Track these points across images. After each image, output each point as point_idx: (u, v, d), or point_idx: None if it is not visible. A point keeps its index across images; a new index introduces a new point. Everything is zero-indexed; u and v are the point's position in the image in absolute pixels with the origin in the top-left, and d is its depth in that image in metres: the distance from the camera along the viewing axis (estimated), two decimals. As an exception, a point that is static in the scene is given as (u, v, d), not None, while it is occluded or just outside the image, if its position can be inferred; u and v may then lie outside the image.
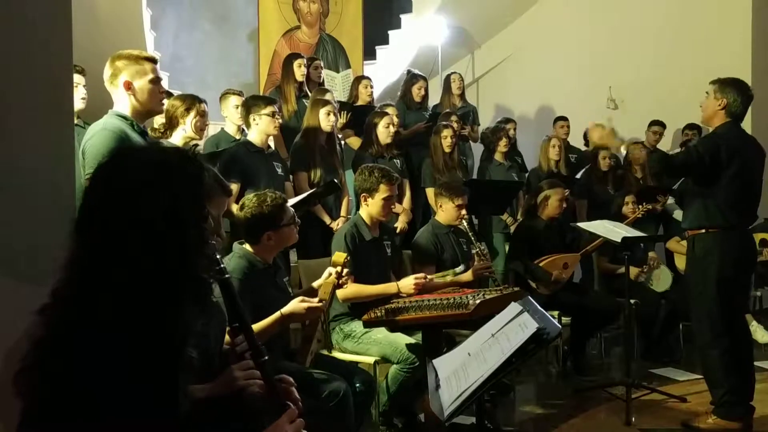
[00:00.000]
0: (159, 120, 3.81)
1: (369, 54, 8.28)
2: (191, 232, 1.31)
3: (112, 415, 1.18)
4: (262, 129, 4.16)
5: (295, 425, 1.51)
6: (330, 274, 2.91)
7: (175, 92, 4.60)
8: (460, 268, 3.93)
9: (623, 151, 3.78)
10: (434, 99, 6.56)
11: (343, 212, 4.61)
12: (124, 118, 2.75)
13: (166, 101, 3.62)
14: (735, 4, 6.88)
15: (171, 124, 3.71)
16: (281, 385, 1.62)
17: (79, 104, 4.03)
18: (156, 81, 2.80)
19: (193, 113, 3.72)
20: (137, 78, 2.74)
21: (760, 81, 6.50)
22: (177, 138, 3.74)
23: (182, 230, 1.30)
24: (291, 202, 4.01)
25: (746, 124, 3.78)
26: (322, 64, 6.24)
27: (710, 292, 3.59)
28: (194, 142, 4.03)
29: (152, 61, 2.82)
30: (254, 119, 4.16)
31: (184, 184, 1.33)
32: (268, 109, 4.10)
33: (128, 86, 2.73)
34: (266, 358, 1.61)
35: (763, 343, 5.41)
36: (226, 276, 1.56)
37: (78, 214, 1.33)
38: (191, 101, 3.75)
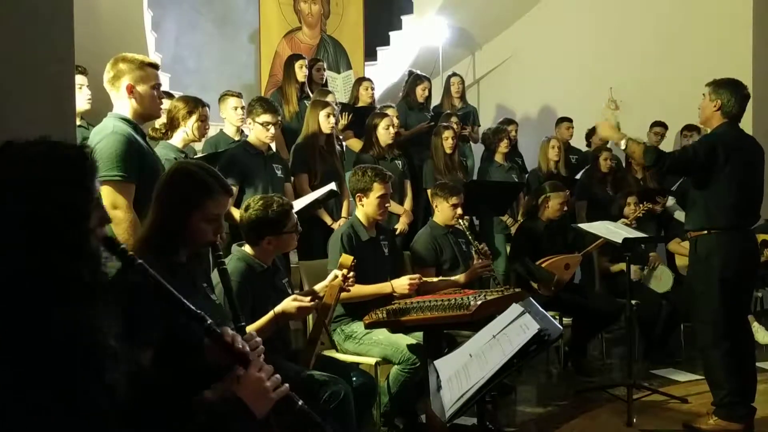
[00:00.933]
0: (160, 120, 3.81)
1: (370, 55, 8.29)
2: (63, 231, 1.28)
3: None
4: (255, 134, 4.17)
5: (267, 371, 1.49)
6: (336, 276, 2.90)
7: (177, 93, 4.61)
8: (459, 277, 3.92)
9: (622, 145, 3.78)
10: (435, 100, 6.56)
11: (344, 213, 4.61)
12: (127, 121, 2.78)
13: (166, 102, 3.65)
14: (736, 5, 6.87)
15: (172, 125, 3.72)
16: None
17: (84, 105, 4.04)
18: (157, 87, 2.83)
19: (195, 117, 3.73)
20: (140, 83, 2.76)
21: (761, 81, 6.51)
22: (177, 139, 3.75)
23: (51, 229, 1.26)
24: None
25: (747, 124, 3.78)
26: (325, 66, 6.24)
27: (713, 293, 3.58)
28: (193, 144, 4.05)
29: (155, 67, 2.86)
30: (251, 122, 4.17)
31: (58, 181, 1.29)
32: (262, 118, 4.10)
33: (131, 90, 2.75)
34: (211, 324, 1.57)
35: (765, 344, 5.41)
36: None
37: None
38: (194, 105, 3.75)
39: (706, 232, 3.64)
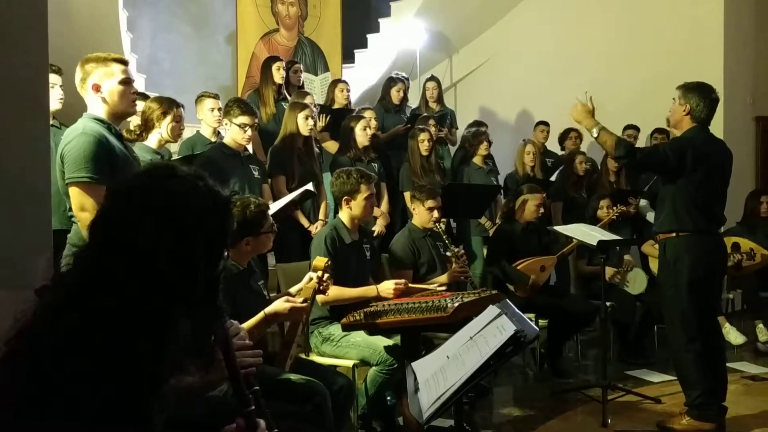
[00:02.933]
0: (135, 121, 3.77)
1: (347, 57, 8.28)
2: (200, 275, 1.29)
3: None
4: (231, 135, 4.15)
5: None
6: (311, 279, 2.90)
7: (152, 95, 4.56)
8: (442, 281, 3.93)
9: (594, 133, 3.73)
10: (413, 102, 6.58)
11: (321, 216, 4.60)
12: (101, 121, 2.73)
13: (141, 103, 3.60)
14: (708, 10, 6.99)
15: (147, 127, 3.68)
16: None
17: (56, 105, 3.97)
18: (126, 82, 2.75)
19: (169, 118, 3.69)
20: (105, 80, 2.71)
21: (732, 85, 6.63)
22: (152, 141, 3.70)
23: (189, 271, 1.27)
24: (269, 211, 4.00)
25: (717, 127, 3.83)
26: (302, 68, 6.23)
27: (682, 295, 3.63)
28: (168, 145, 4.01)
29: (122, 62, 2.78)
30: (227, 123, 4.15)
31: (209, 225, 1.30)
32: (239, 120, 4.07)
33: (97, 89, 2.70)
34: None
35: (737, 345, 5.50)
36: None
37: (94, 222, 1.30)
38: (168, 105, 3.71)
39: (674, 234, 3.68)
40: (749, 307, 5.91)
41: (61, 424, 1.14)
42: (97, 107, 2.74)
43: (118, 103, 2.74)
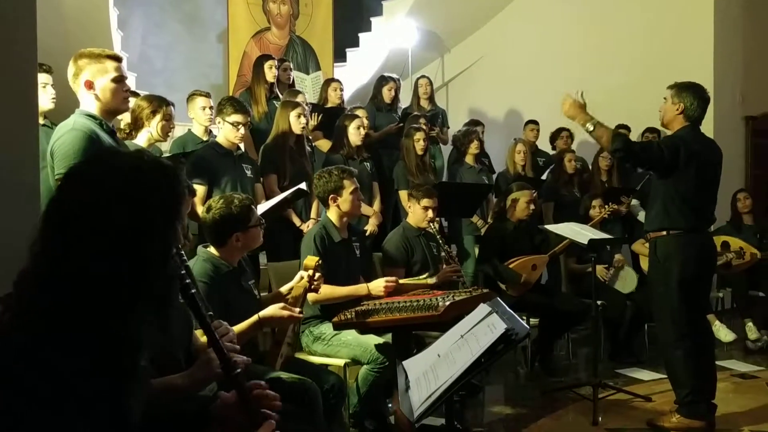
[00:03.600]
0: (125, 120, 3.76)
1: (339, 56, 8.27)
2: (155, 247, 1.26)
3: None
4: (224, 134, 4.14)
5: None
6: (302, 278, 2.90)
7: (143, 93, 4.54)
8: (432, 279, 3.93)
9: (589, 127, 3.70)
10: (405, 102, 6.58)
11: (313, 214, 4.59)
12: (93, 117, 2.72)
13: (132, 100, 3.59)
14: (697, 10, 7.03)
15: (136, 125, 3.67)
16: (256, 392, 1.56)
17: (48, 104, 3.95)
18: (119, 80, 2.75)
19: (159, 116, 3.68)
20: (98, 76, 2.70)
21: (722, 85, 6.67)
22: (142, 139, 3.69)
23: (146, 245, 1.25)
24: (260, 210, 3.99)
25: (707, 126, 3.84)
26: (291, 66, 6.22)
27: (672, 293, 3.65)
28: (159, 144, 4.00)
29: (115, 59, 2.77)
30: (220, 122, 4.14)
31: (157, 196, 1.28)
32: (232, 118, 4.06)
33: (89, 85, 2.70)
34: (239, 370, 1.58)
35: (726, 343, 5.53)
36: (192, 291, 1.52)
37: (44, 213, 1.28)
38: (158, 104, 3.70)
39: (665, 233, 3.69)
40: (739, 306, 5.95)
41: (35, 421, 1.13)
42: (90, 103, 2.73)
43: (110, 100, 2.74)
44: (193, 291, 1.50)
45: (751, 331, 5.56)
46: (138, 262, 1.24)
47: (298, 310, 2.67)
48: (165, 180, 1.32)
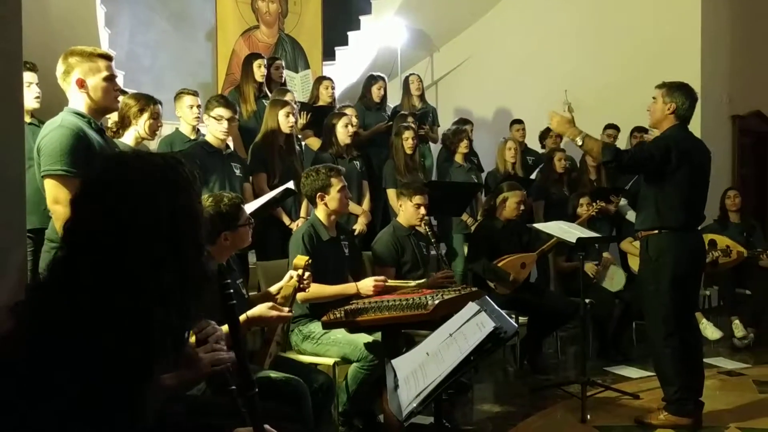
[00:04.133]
0: (112, 118, 3.73)
1: (328, 55, 8.26)
2: (194, 245, 1.32)
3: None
4: (209, 130, 4.13)
5: None
6: (291, 277, 2.89)
7: (131, 91, 4.51)
8: (423, 281, 3.91)
9: (579, 142, 3.74)
10: (394, 100, 6.58)
11: (302, 213, 4.59)
12: (81, 115, 2.71)
13: (121, 98, 3.57)
14: (685, 11, 7.07)
15: (123, 124, 3.64)
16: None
17: (32, 103, 3.92)
18: (110, 78, 2.75)
19: (147, 114, 3.65)
20: (90, 75, 2.70)
21: (709, 85, 6.72)
22: (129, 138, 3.66)
23: (185, 245, 1.30)
24: (248, 209, 3.97)
25: (695, 126, 3.88)
26: (283, 65, 6.20)
27: (663, 291, 3.67)
28: (146, 142, 3.97)
29: (106, 58, 2.77)
30: (206, 118, 4.14)
31: (186, 195, 1.33)
32: (215, 112, 4.06)
33: (81, 84, 2.69)
34: (256, 390, 1.58)
35: (713, 340, 5.57)
36: (232, 302, 1.53)
37: (73, 218, 1.30)
38: (145, 102, 3.68)
39: (656, 231, 3.72)
40: (725, 304, 6.00)
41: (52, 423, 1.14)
42: (79, 101, 2.72)
43: (102, 99, 2.74)
44: (233, 302, 1.52)
45: (738, 328, 5.60)
46: (179, 261, 1.28)
47: (287, 309, 2.66)
48: (192, 178, 1.37)
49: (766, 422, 3.78)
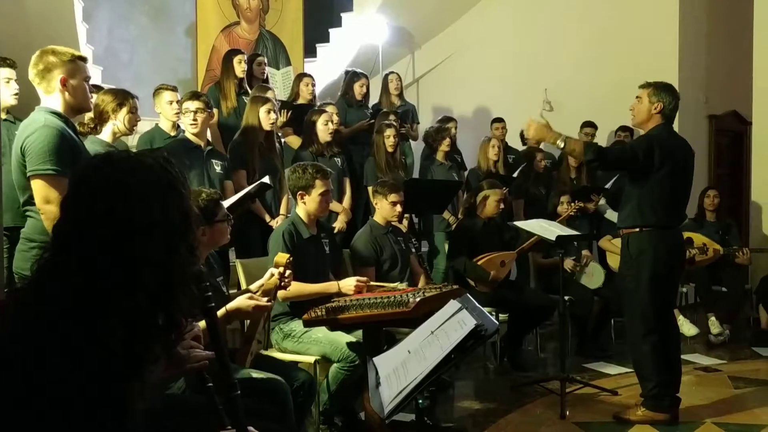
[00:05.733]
0: (88, 115, 3.69)
1: (309, 52, 8.23)
2: (186, 240, 1.33)
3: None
4: (184, 125, 4.14)
5: None
6: (272, 275, 2.88)
7: (107, 86, 4.46)
8: (404, 284, 3.91)
9: (560, 144, 3.76)
10: (374, 98, 6.57)
11: (282, 210, 4.57)
12: (59, 114, 2.72)
13: (95, 96, 3.54)
14: (663, 13, 7.14)
15: (101, 119, 3.60)
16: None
17: (10, 100, 3.87)
18: (87, 80, 2.82)
19: (124, 110, 3.61)
20: (73, 76, 2.73)
21: (686, 85, 6.78)
22: (106, 134, 3.62)
23: (178, 239, 1.31)
24: (225, 204, 3.94)
25: (674, 126, 3.92)
26: (265, 61, 6.16)
27: (643, 289, 3.70)
28: (124, 138, 3.93)
29: (84, 60, 2.84)
30: (183, 114, 4.13)
31: (178, 192, 1.34)
32: (185, 105, 4.09)
33: (64, 83, 2.71)
34: (239, 391, 1.57)
35: (689, 337, 5.65)
36: (211, 304, 1.53)
37: (64, 219, 1.30)
38: (123, 97, 3.64)
39: (638, 229, 3.75)
40: (702, 301, 6.08)
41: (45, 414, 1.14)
42: (55, 100, 2.73)
43: (81, 100, 2.79)
44: (212, 305, 1.51)
45: (714, 325, 5.68)
46: (172, 262, 1.28)
47: (265, 299, 2.64)
48: (183, 178, 1.39)
49: (740, 417, 3.85)
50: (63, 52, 2.73)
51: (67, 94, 2.72)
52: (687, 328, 5.72)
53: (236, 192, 4.27)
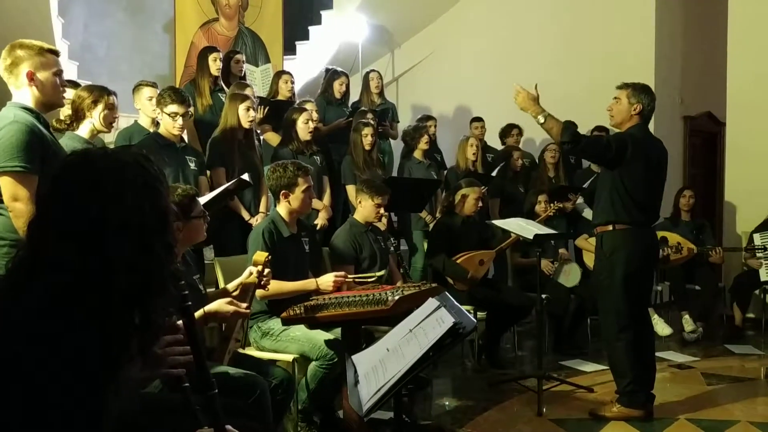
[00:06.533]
0: (65, 111, 3.64)
1: (289, 49, 8.20)
2: (163, 240, 1.32)
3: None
4: (163, 125, 4.07)
5: None
6: (251, 274, 2.87)
7: (84, 83, 4.41)
8: (383, 272, 3.92)
9: (541, 120, 3.77)
10: (354, 96, 6.56)
11: (262, 208, 4.55)
12: (29, 110, 2.66)
13: (71, 92, 3.49)
14: (640, 12, 7.23)
15: (77, 116, 3.55)
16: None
17: None
18: (59, 74, 2.74)
19: (101, 106, 3.57)
20: (41, 70, 2.67)
21: (662, 86, 6.88)
22: (84, 131, 3.58)
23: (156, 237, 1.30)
24: (202, 200, 3.91)
25: (650, 126, 3.97)
26: (243, 58, 6.13)
27: (617, 287, 3.75)
28: (102, 135, 3.89)
29: (56, 53, 2.76)
30: (159, 113, 4.07)
31: (150, 197, 1.32)
32: (169, 108, 4.00)
33: (31, 77, 2.66)
34: (216, 390, 1.56)
35: (663, 335, 5.72)
36: (188, 303, 1.52)
37: (38, 216, 1.29)
38: (99, 93, 3.59)
39: (611, 228, 3.79)
40: (676, 299, 6.16)
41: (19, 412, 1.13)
42: (25, 95, 2.68)
43: (51, 94, 2.72)
44: (189, 304, 1.50)
45: (688, 323, 5.77)
46: (148, 261, 1.27)
47: (245, 305, 2.64)
48: (161, 176, 1.38)
49: (713, 413, 3.91)
50: (31, 45, 2.67)
51: (35, 88, 2.66)
52: (661, 327, 5.80)
53: (213, 189, 4.25)
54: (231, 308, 2.54)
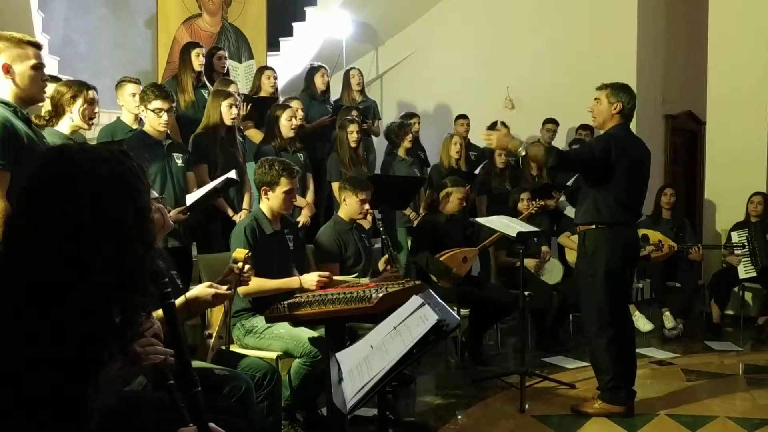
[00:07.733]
0: (45, 107, 3.60)
1: (273, 46, 8.16)
2: (140, 237, 1.31)
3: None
4: (148, 122, 4.04)
5: None
6: (231, 271, 2.85)
7: (64, 78, 4.36)
8: (365, 280, 3.90)
9: (522, 152, 3.86)
10: (337, 93, 6.55)
11: (245, 206, 4.53)
12: (6, 104, 2.60)
13: (51, 86, 3.44)
14: (622, 11, 7.29)
15: (57, 112, 3.51)
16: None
17: None
18: (38, 67, 2.66)
19: (80, 101, 3.52)
20: (18, 62, 2.60)
21: (644, 85, 6.94)
22: (64, 127, 3.53)
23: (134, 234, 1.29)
24: (189, 200, 3.89)
25: (631, 125, 4.00)
26: (226, 54, 6.09)
27: (599, 284, 3.79)
28: (83, 131, 3.85)
29: (36, 46, 2.68)
30: (143, 110, 4.04)
31: (129, 194, 1.31)
32: (153, 104, 3.96)
33: (7, 70, 2.59)
34: (199, 388, 1.55)
35: (645, 332, 5.78)
36: (170, 300, 1.50)
37: (14, 213, 1.27)
38: (78, 88, 3.55)
39: (594, 226, 3.83)
40: (657, 296, 6.23)
41: None
42: (4, 89, 2.62)
43: (28, 88, 2.64)
44: (171, 300, 1.48)
45: (668, 320, 5.83)
46: (127, 259, 1.26)
47: (224, 287, 2.60)
48: (140, 172, 1.36)
49: (693, 408, 3.96)
50: (8, 37, 2.60)
51: (11, 81, 2.59)
52: (642, 324, 5.85)
53: (199, 185, 4.23)
54: (211, 290, 2.50)
